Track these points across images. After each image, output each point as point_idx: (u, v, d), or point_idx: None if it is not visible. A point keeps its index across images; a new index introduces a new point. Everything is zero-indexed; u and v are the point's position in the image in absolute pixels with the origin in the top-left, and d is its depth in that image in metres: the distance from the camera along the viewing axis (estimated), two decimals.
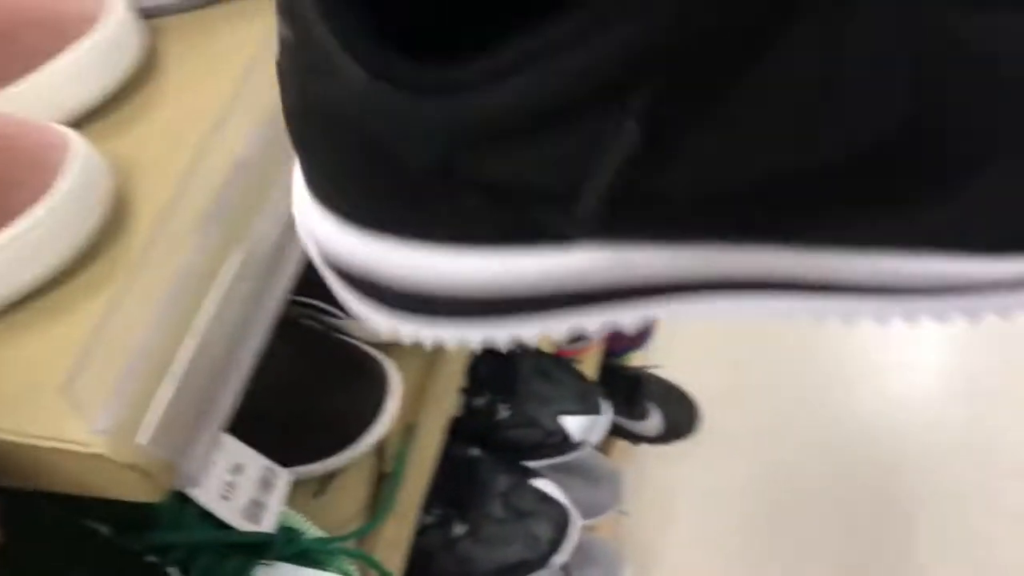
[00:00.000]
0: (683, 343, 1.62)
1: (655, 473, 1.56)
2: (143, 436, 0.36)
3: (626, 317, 0.27)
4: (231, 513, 0.56)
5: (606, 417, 0.93)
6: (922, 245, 0.25)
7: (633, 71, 0.21)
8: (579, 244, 0.25)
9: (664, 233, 0.25)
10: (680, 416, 1.45)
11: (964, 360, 1.67)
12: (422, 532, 0.79)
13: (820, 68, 0.21)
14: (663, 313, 0.27)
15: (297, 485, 0.64)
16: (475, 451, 0.84)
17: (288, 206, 0.43)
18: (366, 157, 0.24)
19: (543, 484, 0.86)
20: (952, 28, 0.21)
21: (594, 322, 0.27)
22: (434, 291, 0.26)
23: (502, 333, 0.27)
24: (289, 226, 0.43)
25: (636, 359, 1.51)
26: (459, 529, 0.80)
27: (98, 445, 0.36)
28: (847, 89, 0.21)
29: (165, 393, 0.37)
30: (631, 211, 0.24)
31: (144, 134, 0.46)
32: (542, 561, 0.82)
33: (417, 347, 0.74)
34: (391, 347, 0.70)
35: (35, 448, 0.37)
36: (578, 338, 1.19)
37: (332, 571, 0.59)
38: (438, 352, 0.74)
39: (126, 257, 0.42)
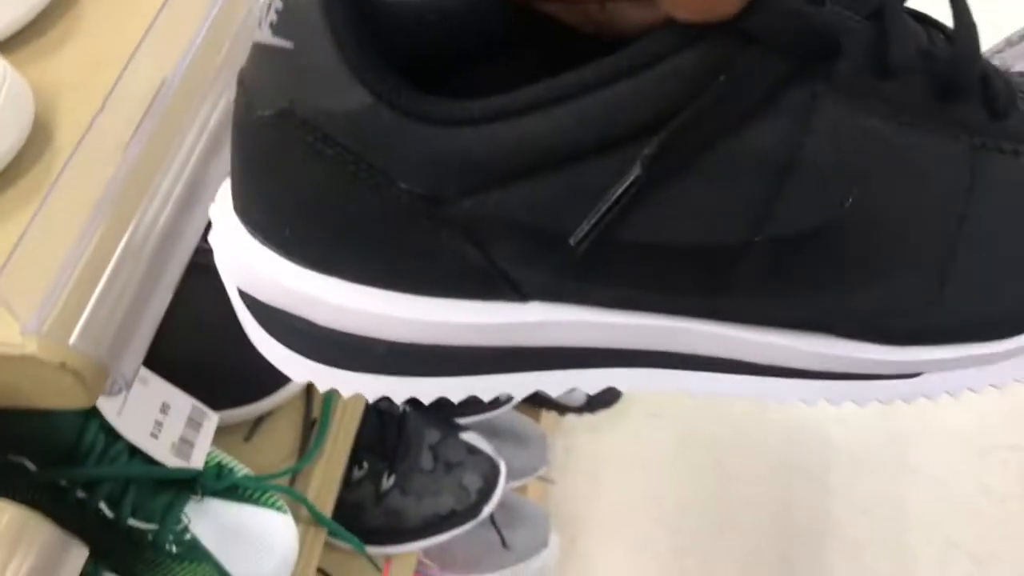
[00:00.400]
0: None
1: (581, 443, 1.58)
2: (75, 337, 0.37)
3: (554, 384, 0.28)
4: (160, 450, 0.57)
5: None
6: (839, 331, 0.28)
7: (661, 116, 0.22)
8: (532, 303, 0.26)
9: (608, 290, 0.26)
10: None
11: None
12: (352, 485, 0.80)
13: (789, 149, 0.24)
14: (590, 383, 0.28)
15: (225, 430, 0.65)
16: (402, 406, 0.85)
17: (213, 126, 0.44)
18: (349, 178, 0.23)
19: (471, 436, 0.87)
20: (890, 139, 0.25)
21: (525, 388, 0.28)
22: (373, 335, 0.26)
23: (428, 389, 0.28)
24: (214, 144, 0.44)
25: None
26: (388, 482, 0.81)
27: (29, 346, 0.36)
28: (806, 172, 0.24)
29: (96, 296, 0.38)
30: (596, 259, 0.25)
31: (64, 60, 0.46)
32: (472, 512, 0.84)
33: None
34: None
35: None
36: None
37: (263, 507, 0.59)
38: None
39: (49, 174, 0.42)
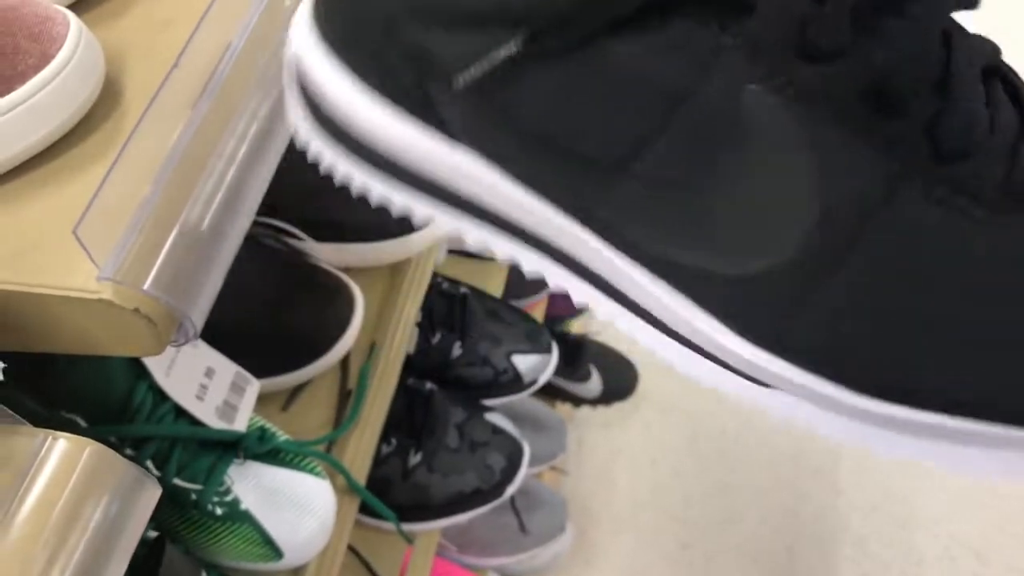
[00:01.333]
0: None
1: (595, 436, 1.60)
2: (148, 283, 0.38)
3: (472, 231, 0.31)
4: (205, 412, 0.58)
5: (555, 356, 0.96)
6: (710, 308, 0.27)
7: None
8: (460, 148, 0.29)
9: (513, 166, 0.28)
10: (619, 378, 1.49)
11: None
12: (380, 461, 0.81)
13: (683, 86, 0.25)
14: (499, 248, 0.31)
15: (264, 399, 0.66)
16: (430, 386, 0.86)
17: (278, 88, 0.45)
18: None
19: (496, 417, 0.88)
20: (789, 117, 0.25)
21: (447, 221, 0.31)
22: (354, 129, 0.30)
23: (396, 197, 0.31)
24: (277, 105, 0.45)
25: (576, 326, 1.55)
26: (415, 458, 0.82)
27: (104, 291, 0.38)
28: (695, 118, 0.25)
29: (168, 246, 0.39)
30: (491, 110, 0.27)
31: (134, 21, 0.47)
32: (495, 491, 0.85)
33: (376, 274, 0.78)
34: (352, 272, 0.72)
35: (41, 298, 0.38)
36: (522, 294, 1.22)
37: (303, 472, 0.60)
38: (396, 280, 0.77)
39: (121, 130, 0.43)
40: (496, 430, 0.87)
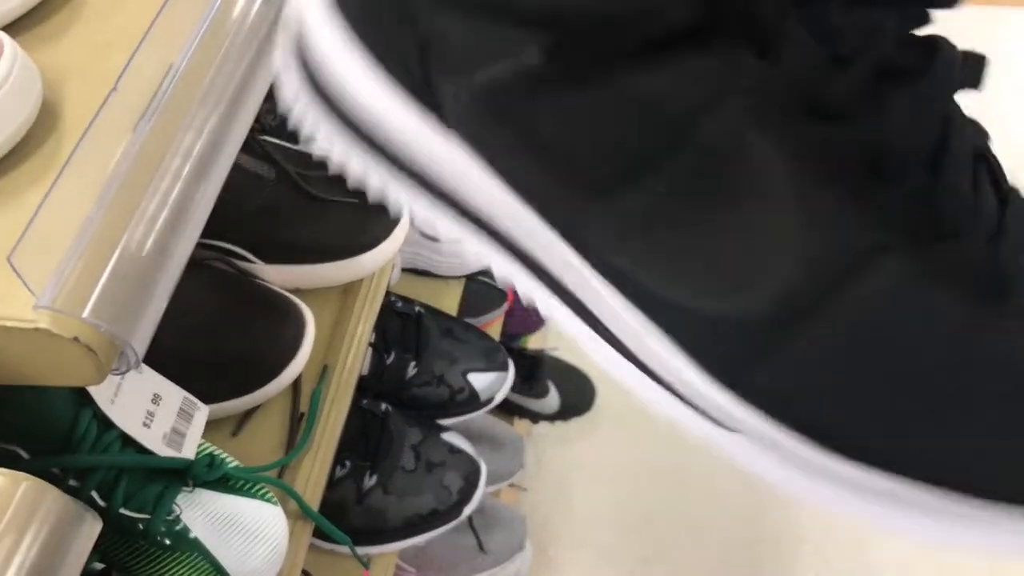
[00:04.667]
0: None
1: (552, 452, 1.59)
2: (88, 311, 0.37)
3: (447, 221, 0.30)
4: (152, 440, 0.57)
5: (512, 373, 0.96)
6: (685, 344, 0.27)
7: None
8: (450, 131, 0.28)
9: (500, 161, 0.28)
10: (577, 393, 1.49)
11: None
12: (334, 484, 0.80)
13: (689, 119, 0.25)
14: (473, 245, 0.30)
15: (214, 424, 0.65)
16: (385, 406, 0.85)
17: (225, 103, 0.44)
18: None
19: (452, 437, 0.88)
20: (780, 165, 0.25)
21: (424, 207, 0.30)
22: (347, 97, 0.29)
23: (374, 174, 0.30)
24: (224, 123, 0.45)
25: (533, 341, 1.55)
26: (370, 481, 0.81)
27: (42, 320, 0.37)
28: (698, 153, 0.25)
29: (108, 272, 0.38)
30: (493, 112, 0.26)
31: (72, 43, 0.46)
32: (453, 511, 0.84)
33: (328, 294, 0.77)
34: (303, 294, 0.71)
35: None
36: (478, 312, 1.22)
37: (254, 498, 0.59)
38: (348, 300, 0.76)
39: (59, 154, 0.42)
40: (453, 450, 0.87)
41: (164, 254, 0.40)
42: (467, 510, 0.85)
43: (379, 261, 0.73)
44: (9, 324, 0.37)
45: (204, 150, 0.42)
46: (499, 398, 0.94)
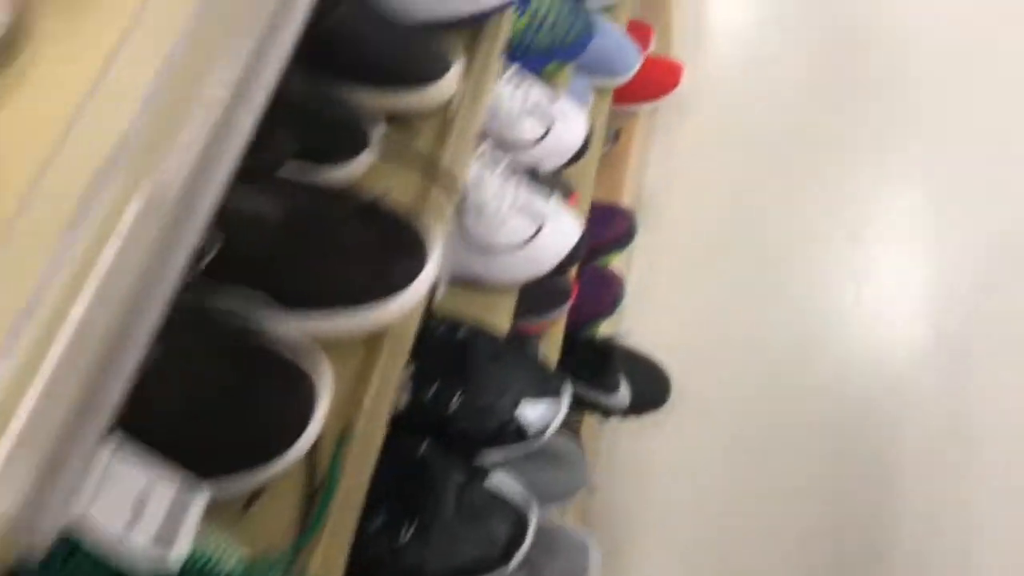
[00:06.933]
0: (653, 308, 1.57)
1: (626, 447, 1.51)
2: None
3: None
4: (138, 541, 0.50)
5: (566, 400, 0.88)
6: None
7: None
8: None
9: None
10: (651, 387, 1.40)
11: (938, 326, 1.63)
12: (367, 540, 0.73)
13: None
14: None
15: (221, 500, 0.58)
16: (424, 445, 0.78)
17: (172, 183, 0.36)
18: None
19: (500, 478, 0.80)
20: None
21: None
22: None
23: None
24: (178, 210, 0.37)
25: (605, 327, 1.46)
26: (407, 535, 0.74)
27: None
28: None
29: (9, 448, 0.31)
30: None
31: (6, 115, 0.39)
32: (498, 564, 0.77)
33: (352, 343, 0.67)
34: (325, 345, 0.64)
35: None
36: (539, 311, 1.14)
37: None
38: (376, 344, 0.68)
39: None
40: (499, 495, 0.79)
41: (80, 419, 0.33)
42: (514, 563, 0.77)
43: (408, 305, 0.65)
44: None
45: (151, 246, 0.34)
46: (551, 431, 0.85)
